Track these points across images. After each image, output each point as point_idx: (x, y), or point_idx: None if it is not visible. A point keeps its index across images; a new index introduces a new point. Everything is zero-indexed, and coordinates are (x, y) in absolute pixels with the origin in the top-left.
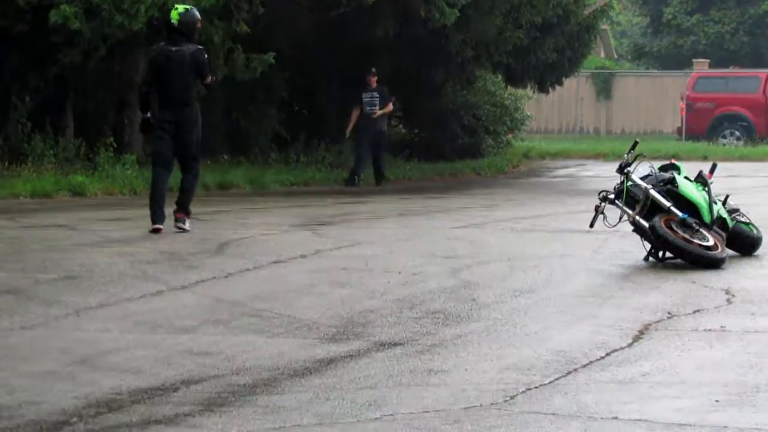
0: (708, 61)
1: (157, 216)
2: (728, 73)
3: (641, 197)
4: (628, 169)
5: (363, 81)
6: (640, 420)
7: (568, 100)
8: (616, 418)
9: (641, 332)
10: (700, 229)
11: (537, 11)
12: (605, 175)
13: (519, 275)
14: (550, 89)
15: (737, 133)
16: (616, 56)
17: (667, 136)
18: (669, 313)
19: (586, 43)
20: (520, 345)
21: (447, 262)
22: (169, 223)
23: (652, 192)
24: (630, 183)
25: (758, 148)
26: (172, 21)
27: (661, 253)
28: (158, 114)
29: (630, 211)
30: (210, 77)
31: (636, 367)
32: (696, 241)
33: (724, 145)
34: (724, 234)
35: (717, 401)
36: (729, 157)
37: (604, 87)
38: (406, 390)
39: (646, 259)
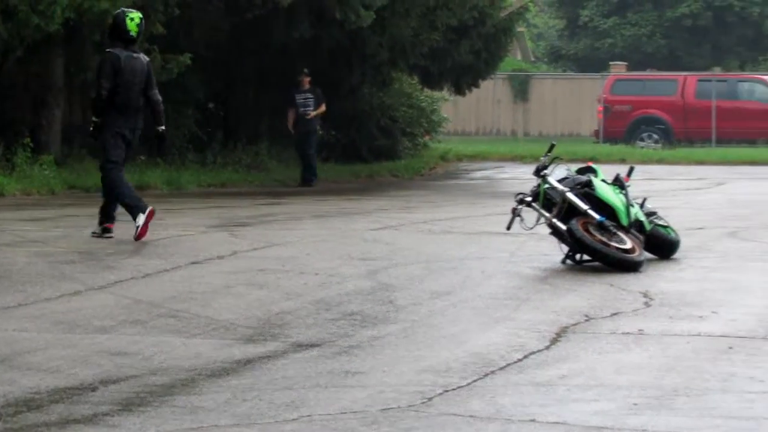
0: (625, 63)
1: (144, 204)
2: (645, 76)
3: (558, 200)
4: (545, 171)
5: (299, 81)
6: (557, 423)
7: (485, 102)
8: (533, 420)
9: (559, 335)
10: (618, 232)
11: (453, 13)
12: (522, 177)
13: (436, 277)
14: (467, 91)
15: (655, 135)
16: (533, 58)
17: (585, 139)
18: (586, 315)
19: (503, 45)
20: (438, 347)
21: (364, 264)
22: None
23: (569, 195)
24: (547, 186)
25: (676, 150)
26: (131, 33)
27: (578, 256)
28: (117, 121)
29: (547, 214)
30: (155, 89)
31: (553, 369)
32: (614, 244)
33: (641, 147)
34: (641, 237)
35: (635, 404)
36: (647, 160)
37: (521, 89)
38: (323, 391)
39: (563, 261)
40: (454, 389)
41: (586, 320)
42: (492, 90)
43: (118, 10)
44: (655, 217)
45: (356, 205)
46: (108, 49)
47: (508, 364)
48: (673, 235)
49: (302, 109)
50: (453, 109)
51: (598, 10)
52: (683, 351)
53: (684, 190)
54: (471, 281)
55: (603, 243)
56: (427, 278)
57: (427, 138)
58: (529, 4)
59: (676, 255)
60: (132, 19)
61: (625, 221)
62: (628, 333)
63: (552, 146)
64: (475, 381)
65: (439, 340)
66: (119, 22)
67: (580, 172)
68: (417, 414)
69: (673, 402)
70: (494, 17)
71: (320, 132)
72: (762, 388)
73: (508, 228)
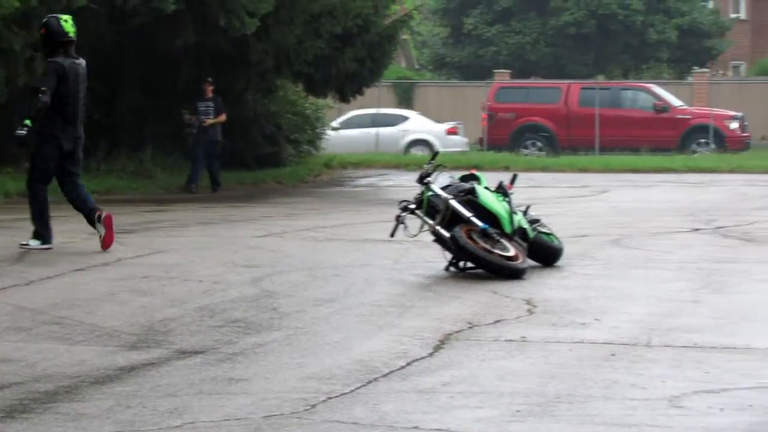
0: (509, 71)
1: (51, 236)
2: (529, 84)
3: (442, 207)
4: (429, 179)
5: (202, 90)
6: (440, 430)
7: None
8: (416, 428)
9: (442, 342)
10: (501, 240)
11: (337, 21)
12: (407, 185)
13: (320, 284)
14: (351, 99)
15: (539, 143)
16: (417, 66)
17: (470, 147)
18: (470, 323)
19: (387, 53)
20: (321, 354)
21: (248, 271)
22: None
23: (452, 202)
24: (430, 193)
25: (560, 158)
26: (69, 34)
27: (462, 263)
28: (62, 134)
29: (431, 221)
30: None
31: (437, 376)
32: (497, 251)
33: (525, 155)
34: (525, 244)
35: (518, 411)
36: (531, 168)
37: (405, 97)
38: (207, 398)
39: (447, 269)
40: (337, 396)
41: (470, 327)
42: (376, 97)
43: (48, 17)
44: (538, 224)
45: (241, 212)
46: (50, 59)
47: (392, 372)
48: (556, 242)
49: (202, 117)
50: (338, 116)
51: (482, 18)
52: (566, 358)
53: (568, 197)
54: (355, 288)
55: (486, 250)
56: (311, 285)
57: (311, 146)
58: (414, 12)
59: (560, 262)
60: (66, 21)
61: (508, 229)
62: (511, 340)
63: (435, 153)
64: (358, 388)
65: (323, 348)
66: (53, 27)
67: (463, 179)
68: (300, 421)
69: (556, 409)
70: (378, 25)
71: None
72: (644, 395)
73: (392, 235)
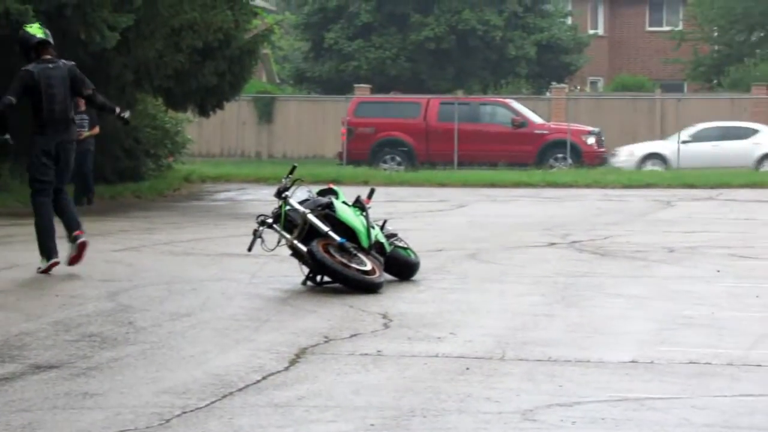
0: (370, 86)
1: (53, 251)
2: (389, 99)
3: (299, 221)
4: (286, 193)
5: (75, 103)
6: None
7: (230, 124)
8: None
9: (298, 356)
10: (358, 254)
11: (198, 36)
12: (265, 199)
13: (177, 298)
14: (211, 113)
15: (398, 158)
16: (278, 80)
17: (329, 161)
18: (326, 337)
19: (247, 68)
20: (177, 368)
21: (105, 285)
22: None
23: (310, 216)
24: (288, 207)
25: (418, 173)
26: (37, 36)
27: (319, 278)
28: (42, 140)
29: (288, 236)
30: (90, 88)
31: (292, 390)
32: (354, 265)
33: (385, 170)
34: (381, 259)
35: (372, 425)
36: (390, 182)
37: (265, 111)
38: (61, 413)
39: (304, 283)
40: (192, 411)
41: (326, 341)
42: (237, 112)
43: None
44: (395, 239)
45: (98, 226)
46: (22, 68)
47: (247, 386)
48: (413, 256)
49: (78, 129)
50: (197, 131)
51: (343, 32)
52: (421, 372)
53: (425, 212)
54: (211, 302)
55: (343, 265)
56: (168, 300)
57: (170, 160)
58: (274, 26)
59: (416, 276)
60: (31, 26)
61: (365, 243)
62: (366, 354)
63: (293, 168)
64: (213, 402)
65: (179, 362)
66: (21, 35)
67: (321, 194)
68: None
69: (410, 423)
70: (239, 39)
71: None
72: (497, 408)
73: (250, 249)
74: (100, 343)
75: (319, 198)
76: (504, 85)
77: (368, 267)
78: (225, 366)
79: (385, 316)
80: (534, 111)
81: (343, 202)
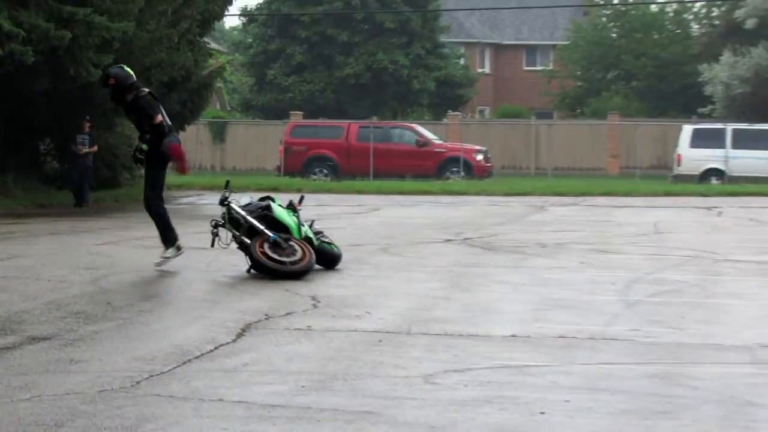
0: (302, 113)
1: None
2: (318, 123)
3: (242, 222)
4: (228, 201)
5: (80, 126)
6: (240, 402)
7: (191, 143)
8: (221, 400)
9: (243, 330)
10: (291, 243)
11: (165, 72)
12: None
13: (147, 283)
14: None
15: (325, 171)
16: (229, 108)
17: (270, 172)
18: (266, 315)
19: (205, 98)
20: (146, 340)
21: (88, 273)
22: None
23: (249, 218)
24: (232, 212)
25: (342, 183)
26: (133, 76)
27: None
28: (159, 148)
29: (236, 233)
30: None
31: (238, 358)
32: (285, 259)
33: (314, 180)
34: (310, 247)
35: (303, 387)
36: (319, 190)
37: (219, 132)
38: (52, 376)
39: (248, 271)
40: (158, 375)
41: (266, 318)
42: (196, 133)
43: (110, 70)
44: (321, 235)
45: (84, 225)
46: (145, 89)
47: (202, 354)
48: (336, 250)
49: (80, 146)
50: None
51: (281, 70)
52: (343, 343)
53: (347, 214)
54: (174, 287)
55: (276, 261)
56: (140, 284)
57: (142, 171)
58: (226, 64)
59: (339, 266)
60: (122, 66)
61: (296, 236)
62: (299, 329)
63: (227, 182)
64: (175, 368)
65: (147, 335)
66: (119, 73)
67: (262, 200)
68: (127, 394)
69: (333, 384)
70: (198, 75)
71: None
72: (404, 373)
73: (212, 246)
74: (84, 319)
75: (260, 202)
76: (410, 112)
77: (298, 255)
78: (185, 338)
79: (314, 298)
80: (434, 133)
81: (279, 205)
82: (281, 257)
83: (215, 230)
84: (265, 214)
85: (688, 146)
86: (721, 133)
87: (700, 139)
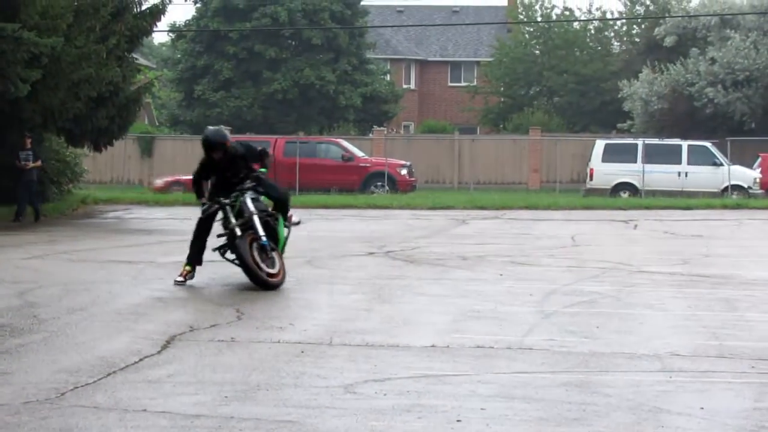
0: (230, 128)
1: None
2: (246, 138)
3: (246, 215)
4: (243, 190)
5: (22, 142)
6: (164, 412)
7: (119, 158)
8: (145, 410)
9: (168, 342)
10: (273, 255)
11: (93, 87)
12: (146, 217)
13: (72, 296)
14: (104, 149)
15: None
16: (157, 123)
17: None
18: (191, 326)
19: (133, 113)
20: (71, 352)
21: (14, 286)
22: None
23: (255, 218)
24: (241, 200)
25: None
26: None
27: (228, 255)
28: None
29: (234, 220)
30: None
31: (163, 369)
32: (264, 267)
33: None
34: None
35: (226, 397)
36: None
37: (147, 147)
38: None
39: (219, 251)
40: (83, 386)
41: (191, 330)
42: (124, 148)
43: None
44: None
45: (10, 239)
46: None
47: (127, 366)
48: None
49: (23, 162)
50: (92, 163)
51: (209, 85)
52: (266, 354)
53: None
54: (100, 300)
55: (257, 266)
56: (65, 297)
57: (70, 186)
58: (154, 80)
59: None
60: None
61: (281, 248)
62: (223, 340)
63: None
64: (100, 379)
65: (73, 347)
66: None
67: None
68: (52, 405)
69: (256, 395)
70: (126, 90)
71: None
72: (325, 383)
73: (204, 213)
74: (9, 332)
75: (269, 209)
76: (336, 127)
77: (276, 269)
78: (110, 350)
79: (238, 310)
80: (359, 148)
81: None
82: (261, 263)
83: (217, 207)
84: (266, 220)
85: (600, 161)
86: (632, 147)
87: (611, 154)
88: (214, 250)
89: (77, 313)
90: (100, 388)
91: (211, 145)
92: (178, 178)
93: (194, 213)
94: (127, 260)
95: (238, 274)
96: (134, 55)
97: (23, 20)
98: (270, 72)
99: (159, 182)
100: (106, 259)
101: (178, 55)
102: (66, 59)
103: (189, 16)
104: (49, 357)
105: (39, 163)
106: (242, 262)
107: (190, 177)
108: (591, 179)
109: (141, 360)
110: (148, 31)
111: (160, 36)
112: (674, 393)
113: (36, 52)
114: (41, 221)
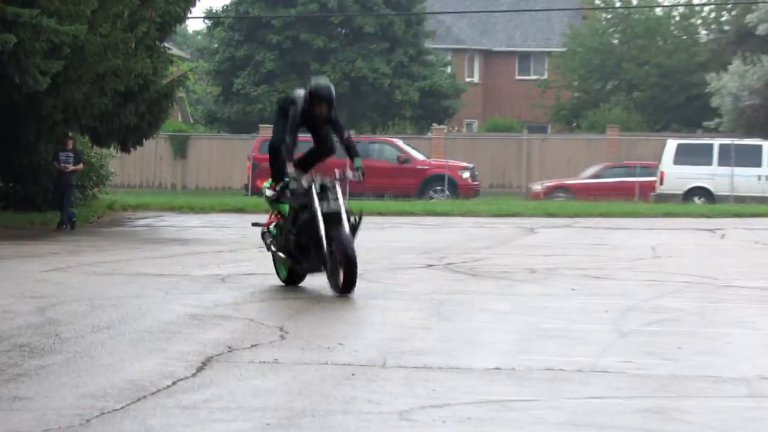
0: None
1: None
2: None
3: (308, 208)
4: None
5: (62, 142)
6: None
7: (149, 159)
8: None
9: (204, 364)
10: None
11: (120, 81)
12: (179, 225)
13: (98, 313)
14: (132, 149)
15: None
16: (192, 121)
17: (236, 192)
18: (229, 347)
19: (165, 109)
20: (97, 375)
21: (34, 301)
22: None
23: (320, 219)
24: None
25: None
26: None
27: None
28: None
29: (295, 209)
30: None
31: (198, 394)
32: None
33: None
34: None
35: (268, 424)
36: None
37: (180, 147)
38: None
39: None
40: (109, 412)
41: (229, 351)
42: (155, 148)
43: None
44: None
45: (30, 249)
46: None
47: (159, 390)
48: None
49: (63, 164)
50: (120, 164)
51: (250, 79)
52: (312, 377)
53: None
54: (129, 317)
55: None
56: (90, 314)
57: (96, 190)
58: (189, 73)
59: (310, 295)
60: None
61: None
62: (264, 362)
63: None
64: (128, 405)
65: (99, 369)
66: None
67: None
68: None
69: (301, 422)
70: (157, 84)
71: (79, 184)
72: (378, 409)
73: (276, 199)
74: (29, 353)
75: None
76: (391, 125)
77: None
78: (139, 372)
79: (281, 329)
80: (417, 149)
81: None
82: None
83: (280, 185)
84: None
85: (671, 163)
86: (707, 148)
87: (684, 155)
88: (266, 247)
89: (103, 331)
90: (129, 414)
91: (322, 96)
92: (561, 182)
93: (232, 220)
94: (159, 273)
95: (280, 290)
96: (166, 45)
97: (43, 6)
98: (317, 64)
99: (537, 187)
100: (136, 271)
101: (215, 45)
102: (90, 49)
103: (227, 1)
104: (72, 380)
105: (80, 166)
106: (318, 243)
107: (577, 181)
108: (661, 183)
109: (174, 383)
110: (182, 18)
111: (195, 23)
112: (763, 420)
113: (57, 41)
114: (63, 230)
